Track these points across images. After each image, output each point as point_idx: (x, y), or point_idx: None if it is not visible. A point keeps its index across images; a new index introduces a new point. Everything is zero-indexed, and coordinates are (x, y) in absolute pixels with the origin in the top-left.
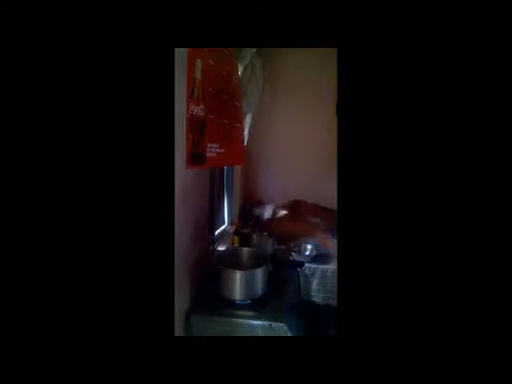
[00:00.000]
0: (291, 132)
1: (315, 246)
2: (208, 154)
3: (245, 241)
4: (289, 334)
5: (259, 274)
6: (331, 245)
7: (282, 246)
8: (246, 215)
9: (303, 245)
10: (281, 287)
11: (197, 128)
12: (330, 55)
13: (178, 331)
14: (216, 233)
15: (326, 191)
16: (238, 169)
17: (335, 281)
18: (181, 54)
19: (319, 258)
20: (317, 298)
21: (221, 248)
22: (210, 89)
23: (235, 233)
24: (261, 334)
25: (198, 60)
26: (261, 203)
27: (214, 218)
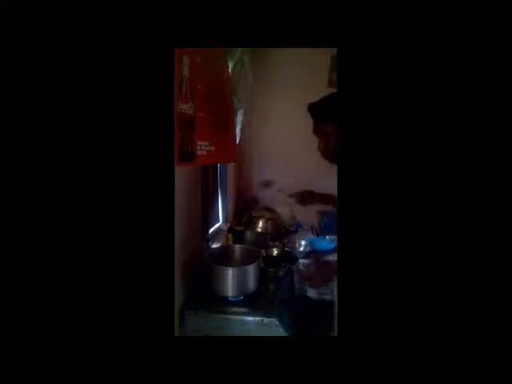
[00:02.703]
0: (285, 128)
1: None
2: (198, 152)
3: (239, 238)
4: (280, 329)
5: (251, 270)
6: None
7: (276, 243)
8: (241, 212)
9: (297, 241)
10: (274, 283)
11: (185, 126)
12: (323, 49)
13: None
14: (211, 230)
15: (320, 187)
16: (231, 166)
17: None
18: None
19: (313, 253)
20: (311, 293)
21: (215, 245)
22: (198, 86)
23: (229, 230)
24: (253, 330)
25: (185, 57)
26: (255, 200)
27: (207, 215)
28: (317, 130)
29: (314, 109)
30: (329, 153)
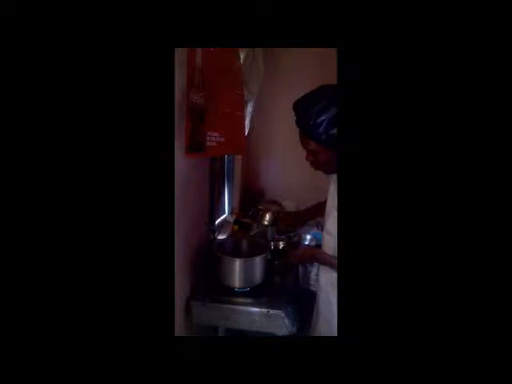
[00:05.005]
0: (293, 121)
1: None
2: (208, 143)
3: (245, 230)
4: (286, 321)
5: (258, 262)
6: None
7: (282, 236)
8: (247, 205)
9: (303, 235)
10: (280, 276)
11: (196, 116)
12: None
13: (179, 320)
14: (217, 222)
15: (326, 182)
16: (239, 158)
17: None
18: None
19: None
20: (315, 287)
21: (221, 237)
22: (210, 76)
23: (235, 222)
24: (258, 321)
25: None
26: (262, 193)
27: (214, 206)
28: (302, 144)
29: (295, 112)
30: (319, 166)
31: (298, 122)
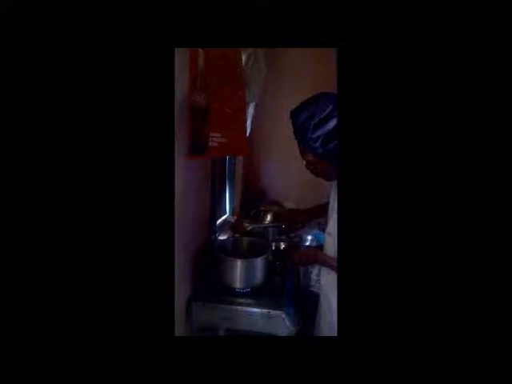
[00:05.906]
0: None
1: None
2: (210, 144)
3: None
4: (287, 322)
5: (259, 263)
6: None
7: (283, 237)
8: (248, 205)
9: (303, 235)
10: (280, 277)
11: (198, 117)
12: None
13: (179, 320)
14: (217, 222)
15: (326, 184)
16: (240, 159)
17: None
18: None
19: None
20: (315, 288)
21: (222, 237)
22: (212, 77)
23: (236, 223)
24: (259, 322)
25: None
26: (263, 194)
27: (215, 207)
28: (301, 154)
29: (292, 121)
30: (318, 175)
31: (295, 134)
